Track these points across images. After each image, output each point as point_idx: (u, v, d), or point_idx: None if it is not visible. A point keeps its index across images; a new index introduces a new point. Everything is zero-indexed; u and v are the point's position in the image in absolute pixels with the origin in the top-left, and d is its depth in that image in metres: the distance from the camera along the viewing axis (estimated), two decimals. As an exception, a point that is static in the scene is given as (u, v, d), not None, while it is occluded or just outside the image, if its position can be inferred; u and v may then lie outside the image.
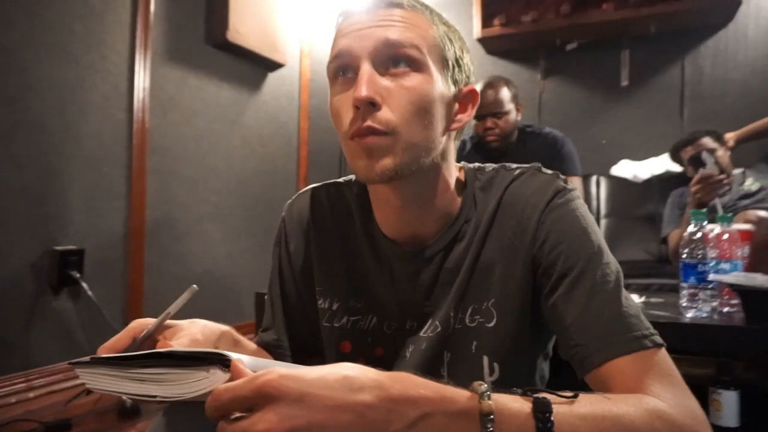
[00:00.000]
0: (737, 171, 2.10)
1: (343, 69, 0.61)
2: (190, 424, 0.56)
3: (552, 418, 0.45)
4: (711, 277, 1.02)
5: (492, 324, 0.64)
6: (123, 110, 2.02)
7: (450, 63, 0.64)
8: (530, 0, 2.69)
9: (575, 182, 2.10)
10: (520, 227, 0.64)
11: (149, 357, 0.47)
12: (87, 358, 0.51)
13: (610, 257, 0.61)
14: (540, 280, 0.62)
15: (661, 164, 2.42)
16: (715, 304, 1.07)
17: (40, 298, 1.73)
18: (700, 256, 1.08)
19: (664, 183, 2.37)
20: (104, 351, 0.58)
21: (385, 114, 0.58)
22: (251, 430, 0.39)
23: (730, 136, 2.15)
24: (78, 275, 1.78)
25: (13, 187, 1.67)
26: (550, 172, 0.67)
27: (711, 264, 1.07)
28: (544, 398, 0.46)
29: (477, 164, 0.72)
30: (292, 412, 0.40)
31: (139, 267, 2.07)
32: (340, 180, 0.77)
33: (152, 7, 2.11)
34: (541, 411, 0.45)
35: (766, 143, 2.26)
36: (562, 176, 0.66)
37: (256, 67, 2.66)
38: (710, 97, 2.52)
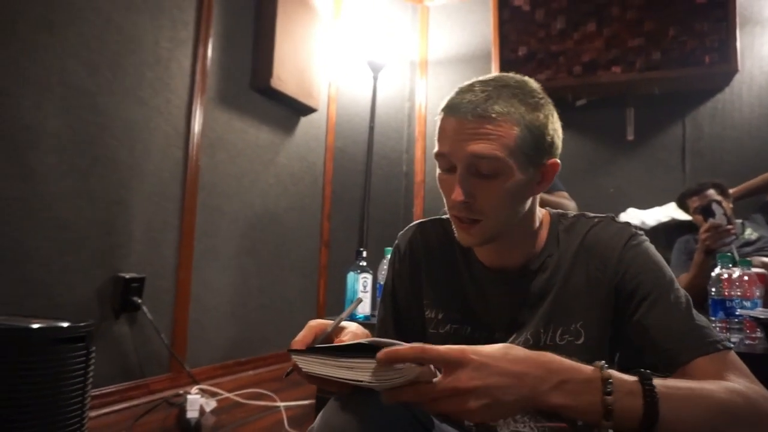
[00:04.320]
0: (737, 222, 2.30)
1: (446, 163, 0.80)
2: (362, 408, 0.69)
3: (654, 385, 0.62)
4: (740, 311, 1.19)
5: (580, 342, 0.80)
6: (180, 149, 2.18)
7: (535, 152, 0.77)
8: (545, 60, 2.95)
9: (565, 196, 2.42)
10: (603, 263, 0.80)
11: (362, 348, 0.60)
12: (305, 348, 0.65)
13: (680, 287, 0.78)
14: (622, 305, 0.78)
15: (667, 212, 2.63)
16: (741, 336, 1.23)
17: (103, 321, 1.84)
18: (726, 294, 1.25)
19: (670, 230, 2.57)
20: (295, 345, 0.72)
21: (476, 206, 0.77)
22: (452, 383, 0.58)
23: (732, 192, 2.37)
24: (139, 301, 1.90)
25: (86, 217, 1.80)
26: (623, 221, 0.84)
27: (737, 301, 1.24)
28: (647, 371, 0.63)
29: (561, 211, 0.90)
30: (475, 375, 0.58)
31: (186, 297, 2.19)
32: (443, 217, 0.94)
33: (209, 56, 2.31)
34: (645, 378, 0.62)
35: (760, 197, 2.49)
36: (633, 225, 0.84)
37: (292, 111, 2.85)
38: (709, 154, 2.76)
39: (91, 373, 1.20)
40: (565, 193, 2.49)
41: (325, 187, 3.18)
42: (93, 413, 1.72)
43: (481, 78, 0.80)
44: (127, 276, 1.88)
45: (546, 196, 2.25)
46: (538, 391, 0.60)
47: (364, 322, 0.91)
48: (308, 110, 2.93)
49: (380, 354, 0.60)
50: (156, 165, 2.07)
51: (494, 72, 3.04)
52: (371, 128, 3.23)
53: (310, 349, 0.65)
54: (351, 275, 1.65)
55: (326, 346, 0.65)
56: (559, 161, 0.82)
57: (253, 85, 2.59)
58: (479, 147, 0.74)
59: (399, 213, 3.58)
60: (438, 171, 0.82)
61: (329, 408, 0.72)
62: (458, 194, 0.76)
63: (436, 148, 0.80)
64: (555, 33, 2.87)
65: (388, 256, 1.67)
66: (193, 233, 2.23)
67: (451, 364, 0.59)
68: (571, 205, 2.46)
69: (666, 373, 0.72)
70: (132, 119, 1.97)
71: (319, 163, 3.14)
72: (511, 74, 0.82)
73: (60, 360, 1.10)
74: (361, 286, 1.62)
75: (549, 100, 0.81)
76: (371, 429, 0.67)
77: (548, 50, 2.89)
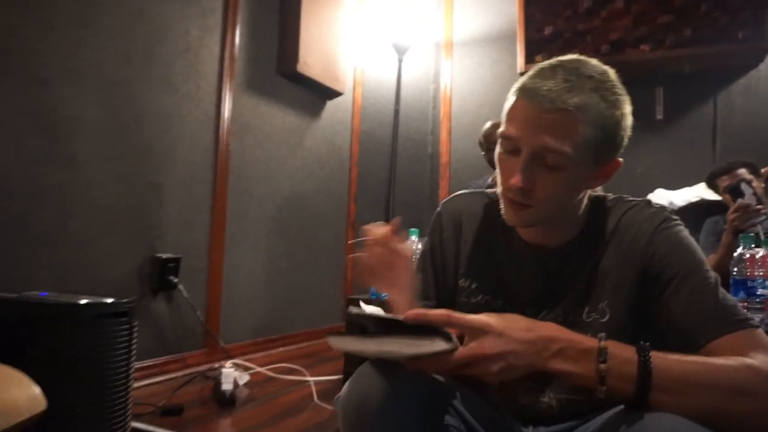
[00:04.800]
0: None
1: (510, 145, 0.78)
2: (386, 375, 0.74)
3: (650, 356, 0.65)
4: (761, 291, 1.20)
5: (605, 319, 0.81)
6: (211, 134, 2.25)
7: (603, 149, 0.76)
8: (571, 39, 2.91)
9: None
10: (634, 245, 0.81)
11: (392, 322, 0.66)
12: (350, 311, 0.70)
13: (708, 268, 0.77)
14: (650, 287, 0.78)
15: (696, 192, 2.59)
16: (762, 315, 1.24)
17: (143, 299, 1.95)
18: (747, 274, 1.26)
19: (698, 210, 2.53)
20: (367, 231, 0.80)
21: (532, 195, 0.77)
22: (478, 349, 0.65)
23: (764, 171, 2.32)
24: (175, 280, 1.99)
25: (124, 201, 1.90)
26: (659, 206, 0.84)
27: (759, 281, 1.25)
28: (647, 344, 0.66)
29: (600, 193, 0.90)
30: (498, 342, 0.65)
31: (218, 276, 2.28)
32: (488, 191, 0.97)
33: (237, 42, 2.36)
34: (643, 350, 0.65)
35: (794, 176, 2.43)
36: (669, 209, 0.84)
37: (318, 95, 2.90)
38: (741, 133, 2.70)
39: (134, 346, 1.28)
40: None
41: (351, 170, 3.23)
42: (135, 384, 1.83)
43: (563, 61, 0.77)
44: (164, 256, 1.98)
45: None
46: (541, 357, 0.67)
47: (383, 300, 0.95)
48: (334, 94, 2.97)
49: (408, 314, 0.66)
50: (188, 150, 2.15)
51: (519, 52, 3.02)
52: (396, 111, 3.26)
53: (352, 315, 0.70)
54: (375, 255, 1.70)
55: (364, 315, 0.69)
56: (621, 159, 0.81)
57: (280, 69, 2.64)
58: (551, 140, 0.73)
59: (424, 194, 3.61)
60: (499, 149, 0.80)
61: (356, 376, 0.77)
62: (518, 180, 0.75)
63: (502, 128, 0.78)
64: (582, 11, 2.83)
65: (412, 237, 1.71)
66: (225, 216, 2.32)
67: (475, 331, 0.66)
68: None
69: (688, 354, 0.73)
70: (164, 106, 2.04)
71: (345, 146, 3.19)
72: (593, 61, 0.78)
73: (106, 333, 1.19)
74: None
75: (627, 97, 0.79)
76: (395, 393, 0.72)
77: (575, 29, 2.85)
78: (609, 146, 0.77)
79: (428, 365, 0.67)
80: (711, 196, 2.49)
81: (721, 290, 0.76)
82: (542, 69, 0.76)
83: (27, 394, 0.63)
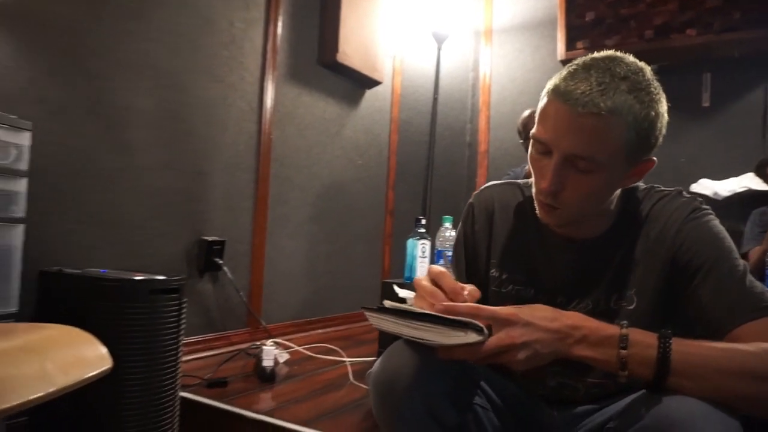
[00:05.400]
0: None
1: (542, 148, 0.78)
2: (417, 353, 0.79)
3: (671, 342, 0.67)
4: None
5: (632, 307, 0.83)
6: (254, 123, 2.35)
7: (636, 151, 0.75)
8: (614, 25, 2.85)
9: None
10: (663, 234, 0.82)
11: (427, 316, 0.69)
12: (375, 307, 0.74)
13: (737, 257, 0.78)
14: (678, 276, 0.79)
15: (742, 182, 2.52)
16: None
17: (190, 279, 2.06)
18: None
19: (744, 200, 2.47)
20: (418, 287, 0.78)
21: (563, 198, 0.78)
22: (506, 339, 0.68)
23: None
24: (220, 262, 2.10)
25: (173, 186, 2.01)
26: (690, 195, 0.84)
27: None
28: (668, 331, 0.68)
29: (632, 184, 0.88)
30: (524, 332, 0.68)
31: (261, 260, 2.38)
32: (520, 182, 0.98)
33: (279, 33, 2.44)
34: (664, 336, 0.68)
35: None
36: (700, 198, 0.84)
37: (357, 84, 2.95)
38: (793, 120, 2.60)
39: (183, 321, 1.38)
40: None
41: (389, 158, 3.27)
42: (183, 358, 1.95)
43: (598, 59, 0.75)
44: (210, 239, 2.09)
45: None
46: (565, 344, 0.70)
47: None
48: (373, 83, 3.01)
49: (439, 306, 0.71)
50: (232, 138, 2.25)
51: (560, 38, 2.98)
52: (435, 99, 3.27)
53: (381, 309, 0.73)
54: (410, 242, 1.75)
55: (397, 309, 0.72)
56: (655, 159, 0.80)
57: (321, 60, 2.70)
58: (581, 144, 0.72)
59: (462, 183, 3.63)
60: (531, 149, 0.80)
61: (388, 353, 0.82)
62: (548, 183, 0.76)
63: (534, 129, 0.78)
64: (625, -4, 2.77)
65: (446, 224, 1.75)
66: (267, 201, 2.41)
67: (502, 322, 0.69)
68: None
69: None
70: (210, 96, 2.14)
71: (384, 134, 3.23)
72: (629, 58, 0.77)
73: (158, 307, 1.29)
74: (420, 252, 1.72)
75: (662, 94, 0.77)
76: (424, 371, 0.77)
77: (618, 15, 2.79)
78: (643, 148, 0.76)
79: (459, 354, 0.70)
80: (758, 186, 2.42)
81: (749, 278, 0.76)
82: (576, 69, 0.75)
83: (96, 353, 0.71)
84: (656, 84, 0.77)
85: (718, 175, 2.67)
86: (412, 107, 3.36)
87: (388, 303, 0.73)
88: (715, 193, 2.60)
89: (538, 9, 3.29)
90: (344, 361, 1.99)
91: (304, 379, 1.83)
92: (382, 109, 3.19)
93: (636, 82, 0.73)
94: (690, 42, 2.67)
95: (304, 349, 2.14)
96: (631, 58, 0.78)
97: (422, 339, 0.70)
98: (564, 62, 2.99)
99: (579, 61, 0.77)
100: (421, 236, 1.74)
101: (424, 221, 1.77)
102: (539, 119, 0.78)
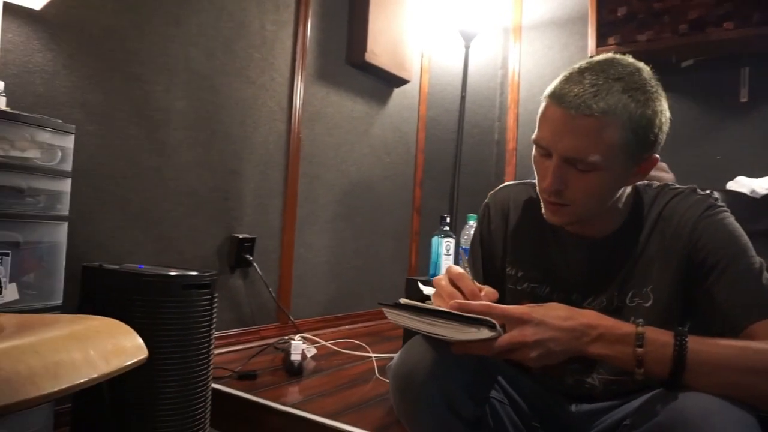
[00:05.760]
0: None
1: (543, 150, 0.81)
2: (435, 348, 0.81)
3: (687, 340, 0.68)
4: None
5: (648, 304, 0.84)
6: (284, 122, 2.40)
7: (635, 149, 0.77)
8: (646, 20, 2.79)
9: (664, 167, 2.22)
10: (678, 232, 0.82)
11: (442, 313, 0.72)
12: (392, 303, 0.77)
13: (753, 254, 0.78)
14: (694, 274, 0.80)
15: (781, 181, 2.44)
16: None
17: (222, 274, 2.14)
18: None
19: (783, 199, 2.39)
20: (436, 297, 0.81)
21: (567, 195, 0.80)
22: (518, 337, 0.70)
23: None
24: (251, 258, 2.17)
25: (207, 185, 2.08)
26: (704, 192, 0.85)
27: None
28: (684, 329, 0.69)
29: (646, 182, 0.90)
30: (537, 331, 0.70)
31: (290, 256, 2.44)
32: (534, 181, 0.97)
33: (308, 34, 2.49)
34: (680, 334, 0.69)
35: None
36: (715, 195, 0.84)
37: (385, 83, 2.98)
38: (837, 115, 2.50)
39: (215, 315, 1.44)
40: (664, 165, 2.34)
41: (417, 156, 3.30)
42: (215, 351, 2.03)
43: (593, 63, 0.77)
44: (241, 236, 2.16)
45: None
46: (580, 342, 0.72)
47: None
48: (401, 82, 3.04)
49: (453, 303, 0.73)
50: (263, 137, 2.31)
51: (591, 35, 2.94)
52: (463, 97, 3.28)
53: (398, 306, 0.76)
54: (435, 239, 1.77)
55: (414, 305, 0.74)
56: (658, 156, 0.81)
57: (349, 60, 2.74)
58: (577, 145, 0.75)
59: (489, 180, 3.61)
60: (534, 152, 0.83)
61: (407, 347, 0.85)
62: (550, 182, 0.79)
63: (535, 133, 0.81)
64: (659, -10, 2.71)
65: (470, 222, 1.77)
66: (296, 199, 2.47)
67: (515, 320, 0.71)
68: (668, 177, 2.32)
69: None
70: (242, 97, 2.21)
71: (412, 132, 3.26)
72: (626, 60, 0.78)
73: (191, 302, 1.35)
74: (444, 249, 1.74)
75: (661, 93, 0.79)
76: (442, 364, 0.80)
77: (650, 9, 2.73)
78: (642, 146, 0.77)
79: (473, 349, 0.72)
80: (798, 184, 2.34)
81: (766, 275, 0.77)
82: (571, 73, 0.77)
83: (133, 343, 0.76)
84: (654, 83, 0.78)
85: (757, 173, 2.59)
86: (440, 105, 3.37)
87: (403, 300, 0.77)
88: (753, 191, 2.53)
89: (568, 5, 3.25)
90: (370, 357, 2.03)
91: (330, 373, 1.88)
92: (410, 107, 3.22)
93: (631, 82, 0.75)
94: (727, 36, 2.60)
95: (331, 344, 2.19)
96: (629, 59, 0.79)
97: (437, 334, 0.72)
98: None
99: (576, 65, 0.79)
100: (446, 234, 1.76)
101: (448, 219, 1.79)
102: (539, 123, 0.81)
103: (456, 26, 3.23)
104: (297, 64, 2.44)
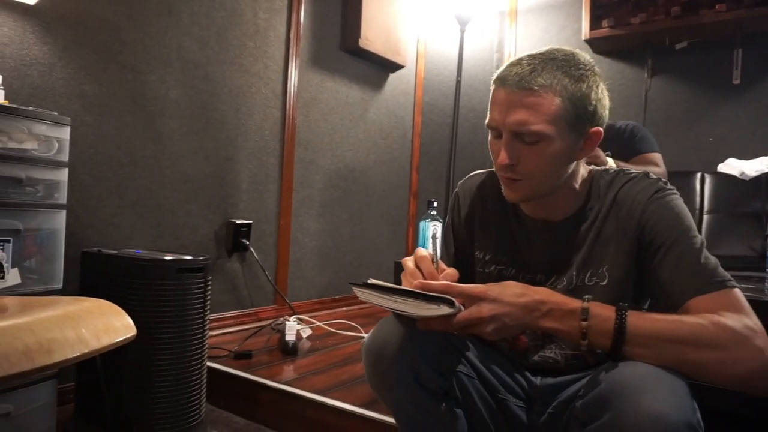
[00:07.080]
0: None
1: (494, 131, 0.89)
2: (404, 327, 0.88)
3: (627, 314, 0.74)
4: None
5: (604, 283, 0.90)
6: (278, 109, 2.45)
7: (576, 120, 0.84)
8: (640, 2, 2.79)
9: (658, 158, 2.26)
10: (630, 214, 0.88)
11: (406, 291, 0.78)
12: (362, 283, 0.83)
13: (696, 234, 0.84)
14: (643, 253, 0.86)
15: (770, 162, 2.47)
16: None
17: (219, 259, 2.20)
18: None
19: (771, 181, 2.42)
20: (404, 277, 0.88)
21: (520, 168, 0.87)
22: (476, 311, 0.76)
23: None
24: (247, 243, 2.23)
25: (203, 171, 2.14)
26: (654, 177, 0.91)
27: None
28: (625, 304, 0.75)
29: (602, 167, 0.97)
30: (493, 306, 0.77)
31: (286, 240, 2.51)
32: None
33: (302, 22, 2.52)
34: (621, 309, 0.75)
35: None
36: (664, 179, 0.90)
37: (380, 69, 3.01)
38: (828, 97, 2.52)
39: (209, 297, 1.50)
40: (658, 155, 2.32)
41: (413, 141, 3.34)
42: (214, 332, 2.11)
43: (532, 52, 0.86)
44: (237, 221, 2.22)
45: (624, 164, 2.11)
46: (532, 317, 0.78)
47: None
48: (396, 67, 3.06)
49: (416, 283, 0.79)
50: (258, 125, 2.36)
51: (585, 19, 2.95)
52: (458, 81, 3.30)
53: (366, 285, 0.83)
54: (423, 223, 1.83)
55: (380, 285, 0.81)
56: (602, 129, 0.88)
57: (343, 46, 2.77)
58: (520, 117, 0.82)
59: (485, 164, 3.64)
60: (489, 138, 0.91)
61: (379, 325, 0.92)
62: (503, 158, 0.85)
63: (487, 118, 0.88)
64: (652, -28, 2.71)
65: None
66: (292, 184, 2.52)
67: (473, 298, 0.78)
68: (659, 171, 2.31)
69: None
70: (236, 85, 2.25)
71: (408, 117, 3.29)
72: (563, 48, 0.87)
73: (185, 284, 1.42)
74: (431, 232, 1.80)
75: (596, 72, 0.86)
76: (409, 340, 0.86)
77: (644, -9, 2.74)
78: (582, 117, 0.84)
79: (435, 325, 0.79)
80: (786, 165, 2.37)
81: (705, 253, 0.82)
82: (513, 60, 0.86)
83: (123, 322, 0.83)
84: (589, 64, 0.86)
85: (748, 155, 2.61)
86: (436, 89, 3.39)
87: (372, 280, 0.82)
88: (742, 173, 2.56)
89: (563, -13, 3.25)
90: (363, 337, 2.10)
91: (324, 353, 1.95)
92: (406, 92, 3.25)
93: (565, 61, 0.84)
94: (720, 18, 2.60)
95: (324, 324, 2.26)
96: (566, 48, 0.87)
97: (401, 311, 0.79)
98: (589, 41, 2.96)
99: (516, 57, 0.88)
100: (432, 218, 1.81)
101: (435, 203, 1.84)
102: (489, 108, 0.88)
103: (451, 10, 3.24)
104: (291, 51, 2.47)
